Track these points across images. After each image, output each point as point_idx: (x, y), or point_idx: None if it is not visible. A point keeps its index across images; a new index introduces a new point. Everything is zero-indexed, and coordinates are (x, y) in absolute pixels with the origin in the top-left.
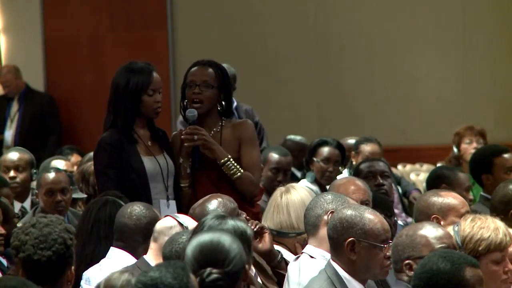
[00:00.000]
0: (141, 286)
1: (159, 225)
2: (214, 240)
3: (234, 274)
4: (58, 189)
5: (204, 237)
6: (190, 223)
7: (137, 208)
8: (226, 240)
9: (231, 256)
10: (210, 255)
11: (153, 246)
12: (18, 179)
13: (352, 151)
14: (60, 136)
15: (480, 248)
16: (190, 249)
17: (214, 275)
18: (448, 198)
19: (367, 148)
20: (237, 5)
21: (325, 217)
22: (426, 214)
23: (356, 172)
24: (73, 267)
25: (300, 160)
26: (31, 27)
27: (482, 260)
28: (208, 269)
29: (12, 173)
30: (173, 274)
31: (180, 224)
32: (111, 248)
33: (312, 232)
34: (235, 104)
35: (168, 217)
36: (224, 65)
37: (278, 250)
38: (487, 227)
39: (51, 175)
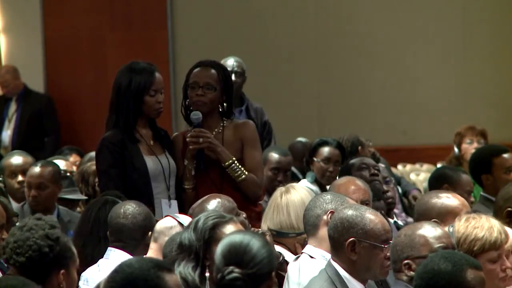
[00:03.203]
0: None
1: (159, 225)
2: (244, 242)
3: (257, 277)
4: (35, 184)
5: (236, 237)
6: None
7: (129, 207)
8: (256, 243)
9: (257, 259)
10: (236, 255)
11: (153, 246)
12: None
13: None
14: (58, 136)
15: (475, 248)
16: (221, 246)
17: (234, 274)
18: (447, 201)
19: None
20: (237, 5)
21: (325, 217)
22: (425, 218)
23: (348, 167)
24: (74, 269)
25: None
26: (31, 27)
27: (478, 260)
28: (231, 268)
29: (20, 178)
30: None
31: (180, 224)
32: (109, 248)
33: (311, 232)
34: (245, 103)
35: (168, 217)
36: (233, 58)
37: (279, 252)
38: (481, 227)
39: (36, 168)
